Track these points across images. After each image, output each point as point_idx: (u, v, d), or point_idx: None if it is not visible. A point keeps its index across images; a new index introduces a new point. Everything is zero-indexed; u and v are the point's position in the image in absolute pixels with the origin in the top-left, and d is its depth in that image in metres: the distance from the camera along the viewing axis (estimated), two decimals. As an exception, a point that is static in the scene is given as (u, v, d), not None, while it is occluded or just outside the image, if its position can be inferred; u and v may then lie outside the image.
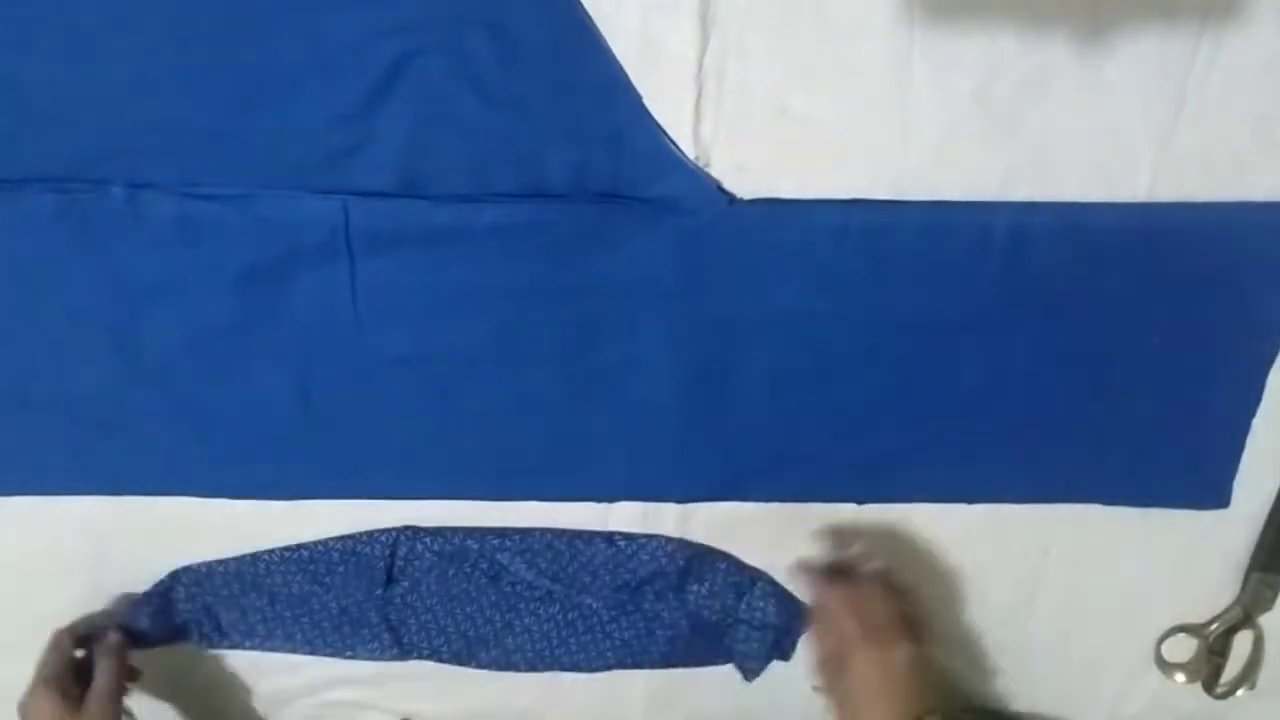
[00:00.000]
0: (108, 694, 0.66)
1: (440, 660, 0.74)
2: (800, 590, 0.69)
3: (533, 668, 0.74)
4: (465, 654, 0.74)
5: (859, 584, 0.64)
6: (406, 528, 0.70)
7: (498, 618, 0.73)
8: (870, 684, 0.59)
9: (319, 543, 0.70)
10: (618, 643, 0.73)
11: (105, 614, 0.72)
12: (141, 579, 0.71)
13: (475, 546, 0.70)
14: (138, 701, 0.76)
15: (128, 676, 0.70)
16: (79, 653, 0.69)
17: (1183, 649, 0.73)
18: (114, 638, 0.69)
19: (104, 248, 0.59)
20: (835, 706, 0.62)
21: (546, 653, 0.74)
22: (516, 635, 0.73)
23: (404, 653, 0.74)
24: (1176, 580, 0.70)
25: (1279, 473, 0.66)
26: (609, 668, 0.74)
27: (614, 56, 0.55)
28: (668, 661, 0.74)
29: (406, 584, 0.71)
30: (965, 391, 0.64)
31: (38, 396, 0.64)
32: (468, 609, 0.72)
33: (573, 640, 0.73)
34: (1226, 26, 0.53)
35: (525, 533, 0.70)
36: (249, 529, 0.70)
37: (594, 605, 0.72)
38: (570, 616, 0.73)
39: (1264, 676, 0.72)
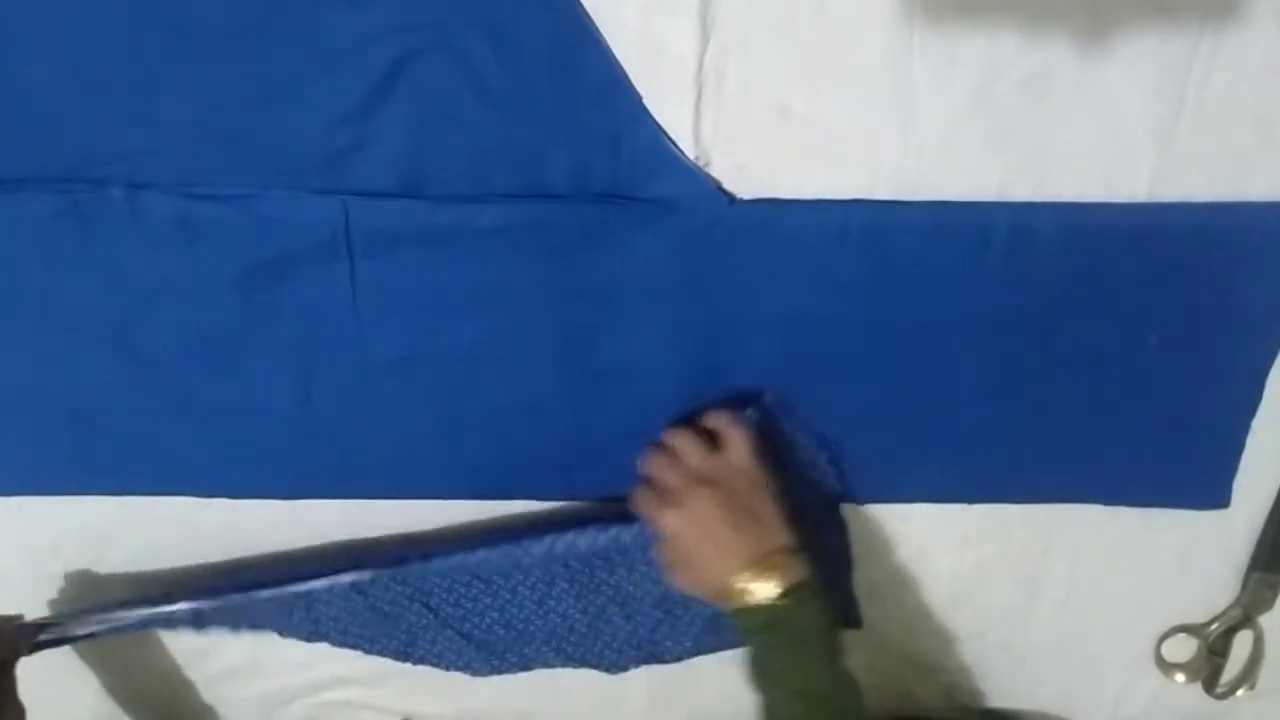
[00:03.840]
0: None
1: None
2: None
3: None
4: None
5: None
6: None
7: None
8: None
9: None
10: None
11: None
12: (141, 579, 0.71)
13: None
14: (137, 701, 0.76)
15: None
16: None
17: (1183, 649, 0.73)
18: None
19: (104, 248, 0.59)
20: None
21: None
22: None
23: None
24: (1176, 580, 0.70)
25: (1279, 473, 0.66)
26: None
27: (614, 56, 0.55)
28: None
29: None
30: (965, 392, 0.64)
31: (38, 396, 0.64)
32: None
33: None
34: (1226, 26, 0.53)
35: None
36: (249, 529, 0.70)
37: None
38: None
39: (1264, 676, 0.72)
